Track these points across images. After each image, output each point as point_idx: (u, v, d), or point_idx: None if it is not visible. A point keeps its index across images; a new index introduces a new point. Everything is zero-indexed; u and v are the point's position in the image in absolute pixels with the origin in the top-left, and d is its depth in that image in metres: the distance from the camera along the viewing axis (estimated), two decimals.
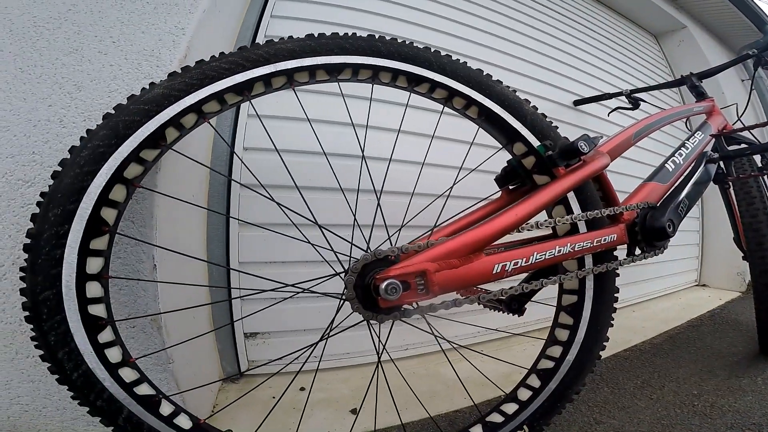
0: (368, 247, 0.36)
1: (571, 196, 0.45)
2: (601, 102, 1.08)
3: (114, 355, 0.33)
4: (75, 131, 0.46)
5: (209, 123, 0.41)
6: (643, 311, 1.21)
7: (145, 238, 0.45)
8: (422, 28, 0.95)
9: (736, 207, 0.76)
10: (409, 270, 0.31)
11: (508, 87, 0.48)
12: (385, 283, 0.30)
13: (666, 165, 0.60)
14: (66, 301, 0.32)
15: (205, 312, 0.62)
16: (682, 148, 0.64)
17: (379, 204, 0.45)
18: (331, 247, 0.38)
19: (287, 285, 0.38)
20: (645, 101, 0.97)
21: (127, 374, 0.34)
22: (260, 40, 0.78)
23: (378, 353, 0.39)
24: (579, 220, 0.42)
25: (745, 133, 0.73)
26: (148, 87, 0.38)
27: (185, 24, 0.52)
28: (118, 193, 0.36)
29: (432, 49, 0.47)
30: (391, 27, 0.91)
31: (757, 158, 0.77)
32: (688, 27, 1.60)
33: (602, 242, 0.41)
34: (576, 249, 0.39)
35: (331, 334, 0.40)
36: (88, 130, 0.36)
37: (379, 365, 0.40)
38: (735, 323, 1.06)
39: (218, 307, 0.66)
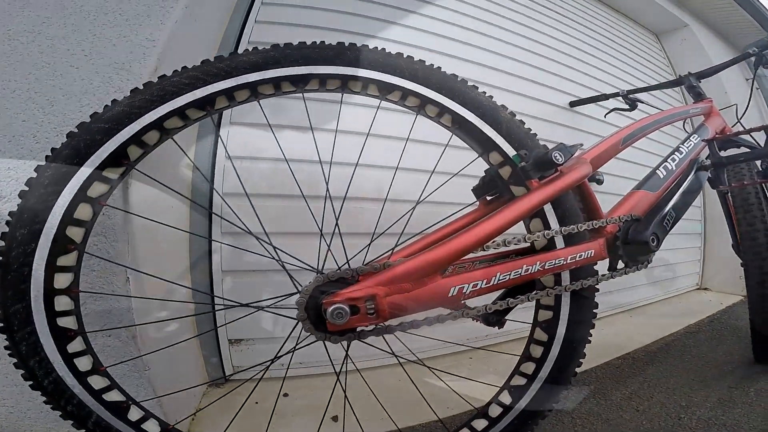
0: (323, 268, 0.36)
1: (549, 209, 0.44)
2: (599, 103, 1.04)
3: (84, 363, 0.35)
4: (48, 146, 0.46)
5: (173, 140, 0.41)
6: (641, 316, 1.19)
7: (117, 253, 0.45)
8: (410, 29, 0.92)
9: (734, 214, 0.73)
10: (357, 294, 0.30)
11: (484, 93, 0.47)
12: (332, 307, 0.30)
13: (657, 171, 0.57)
14: (35, 314, 0.33)
15: (188, 318, 0.63)
16: (676, 153, 0.61)
17: (337, 223, 0.44)
18: (284, 267, 0.38)
19: (241, 304, 0.38)
20: (643, 102, 0.93)
21: (97, 382, 0.35)
22: (243, 46, 0.77)
23: (337, 372, 0.39)
24: (551, 236, 0.40)
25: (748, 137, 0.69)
26: (110, 104, 0.38)
27: (156, 36, 0.51)
28: (84, 211, 0.37)
29: (405, 55, 0.45)
30: (377, 29, 0.89)
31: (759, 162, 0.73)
32: (690, 25, 1.54)
33: (577, 259, 0.40)
34: (546, 267, 0.37)
35: (296, 348, 0.39)
36: (52, 149, 0.37)
37: (338, 382, 0.40)
38: (734, 329, 1.03)
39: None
